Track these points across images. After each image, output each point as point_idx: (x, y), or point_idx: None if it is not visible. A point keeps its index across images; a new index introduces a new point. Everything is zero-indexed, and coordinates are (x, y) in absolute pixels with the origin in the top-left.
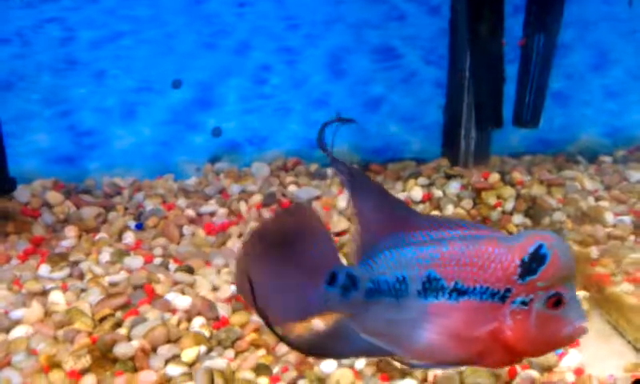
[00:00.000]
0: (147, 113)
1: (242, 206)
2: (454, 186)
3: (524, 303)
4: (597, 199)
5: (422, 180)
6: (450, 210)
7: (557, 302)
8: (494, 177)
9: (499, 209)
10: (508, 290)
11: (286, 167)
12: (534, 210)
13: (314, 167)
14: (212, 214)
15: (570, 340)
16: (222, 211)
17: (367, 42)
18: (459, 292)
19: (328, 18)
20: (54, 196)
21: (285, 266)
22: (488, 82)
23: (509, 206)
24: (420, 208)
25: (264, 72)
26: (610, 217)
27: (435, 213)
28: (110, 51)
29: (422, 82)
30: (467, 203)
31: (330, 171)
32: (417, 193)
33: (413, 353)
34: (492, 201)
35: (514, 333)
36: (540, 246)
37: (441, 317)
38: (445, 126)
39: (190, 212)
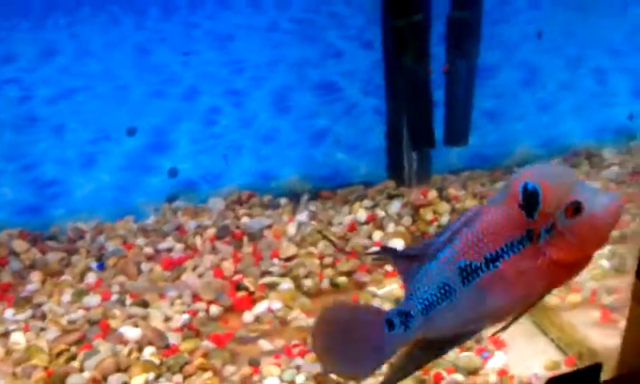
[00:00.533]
0: (106, 160)
1: (198, 240)
2: (395, 206)
3: (548, 231)
4: None
5: (367, 202)
6: (391, 228)
7: (575, 210)
8: (432, 194)
9: (435, 223)
10: (529, 231)
11: (241, 200)
12: None
13: (267, 198)
14: (169, 250)
15: (613, 219)
16: (179, 246)
17: (309, 80)
18: (493, 260)
19: (270, 60)
20: (20, 244)
21: (349, 337)
22: (418, 107)
23: (444, 219)
24: (364, 228)
25: (213, 114)
26: None
27: (378, 231)
28: (67, 106)
29: (362, 111)
30: (407, 220)
31: (282, 200)
32: (362, 214)
33: (495, 319)
34: (429, 216)
35: (560, 254)
36: (525, 186)
37: (494, 286)
38: (388, 150)
39: (149, 249)
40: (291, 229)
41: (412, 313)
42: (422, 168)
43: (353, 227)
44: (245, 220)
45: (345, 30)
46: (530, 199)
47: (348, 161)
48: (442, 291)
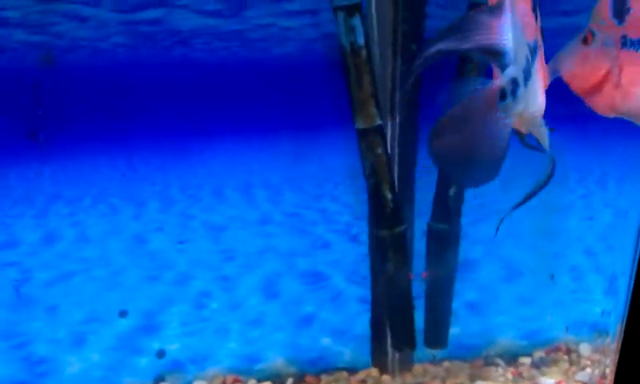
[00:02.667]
0: (96, 341)
1: None
2: None
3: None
4: None
5: None
6: None
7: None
8: None
9: None
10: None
11: None
12: None
13: (251, 383)
14: None
15: None
16: None
17: (297, 269)
18: None
19: (261, 249)
20: None
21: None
22: (399, 311)
23: None
24: None
25: (204, 298)
26: None
27: None
28: (62, 289)
29: (347, 299)
30: None
31: None
32: None
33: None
34: None
35: None
36: None
37: None
38: (372, 338)
39: None
40: None
41: (518, 80)
42: (404, 357)
43: None
44: None
45: (332, 225)
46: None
47: (333, 346)
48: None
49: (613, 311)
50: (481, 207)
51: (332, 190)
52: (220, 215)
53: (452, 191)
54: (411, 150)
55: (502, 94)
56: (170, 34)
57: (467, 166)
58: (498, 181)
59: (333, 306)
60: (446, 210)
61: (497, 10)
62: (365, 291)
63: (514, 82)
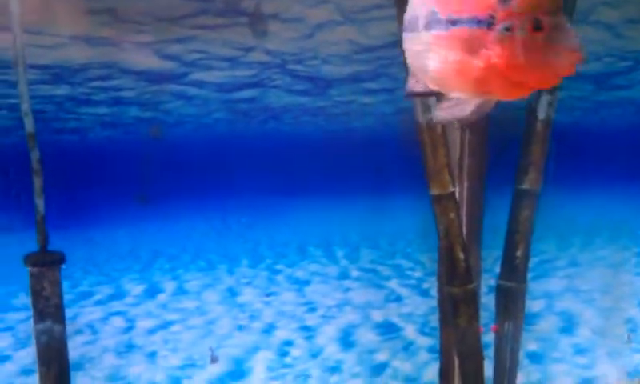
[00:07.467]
0: None
1: None
2: None
3: (507, 29)
4: None
5: None
6: None
7: (536, 27)
8: None
9: None
10: (492, 17)
11: None
12: None
13: None
14: None
15: (563, 66)
16: None
17: (372, 320)
18: (452, 22)
19: (339, 302)
20: None
21: None
22: (470, 364)
23: None
24: None
25: (287, 346)
26: None
27: None
28: (162, 336)
29: (418, 349)
30: None
31: None
32: None
33: (429, 81)
34: None
35: (504, 58)
36: None
37: (439, 46)
38: None
39: None
40: None
41: None
42: None
43: None
44: None
45: (405, 280)
46: None
47: None
48: (413, 21)
49: None
50: (542, 263)
51: (405, 248)
52: (303, 270)
53: (519, 252)
54: (478, 212)
55: None
56: (264, 110)
57: None
58: (554, 240)
59: (404, 355)
60: (514, 269)
61: None
62: (434, 342)
63: None
